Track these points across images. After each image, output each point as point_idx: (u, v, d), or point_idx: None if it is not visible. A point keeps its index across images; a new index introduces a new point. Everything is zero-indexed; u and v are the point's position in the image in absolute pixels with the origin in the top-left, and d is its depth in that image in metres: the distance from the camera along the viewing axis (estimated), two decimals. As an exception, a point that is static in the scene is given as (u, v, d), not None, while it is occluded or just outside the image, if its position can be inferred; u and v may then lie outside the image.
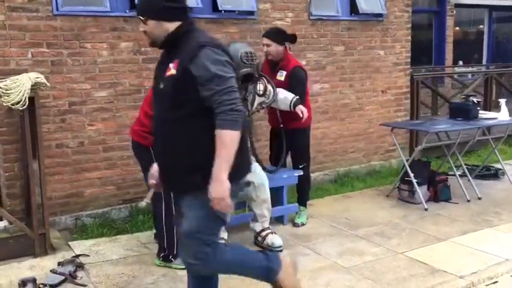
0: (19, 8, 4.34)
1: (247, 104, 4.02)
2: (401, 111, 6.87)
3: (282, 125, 4.47)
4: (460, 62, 12.38)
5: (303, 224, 4.66)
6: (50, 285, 3.40)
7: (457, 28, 13.31)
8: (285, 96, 4.29)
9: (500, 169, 6.17)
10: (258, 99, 4.22)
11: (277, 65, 4.50)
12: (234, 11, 5.32)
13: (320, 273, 3.64)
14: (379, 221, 4.75)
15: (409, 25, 6.77)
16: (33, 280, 3.41)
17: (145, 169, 3.56)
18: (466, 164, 6.42)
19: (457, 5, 11.93)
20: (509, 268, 3.68)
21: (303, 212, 4.78)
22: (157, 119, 2.58)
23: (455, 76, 10.14)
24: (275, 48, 4.44)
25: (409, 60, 6.86)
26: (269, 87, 4.18)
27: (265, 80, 4.15)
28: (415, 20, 12.18)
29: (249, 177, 4.01)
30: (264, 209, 4.16)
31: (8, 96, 3.63)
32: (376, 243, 4.20)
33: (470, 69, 10.80)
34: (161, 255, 3.78)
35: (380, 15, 6.43)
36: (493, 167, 6.26)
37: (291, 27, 5.73)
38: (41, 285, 3.38)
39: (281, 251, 4.03)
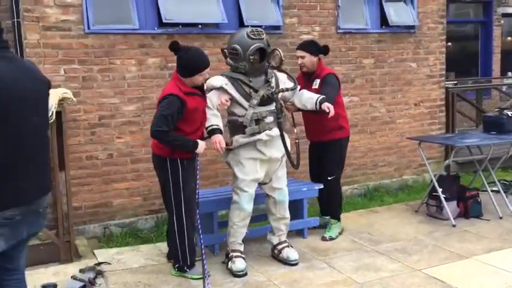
0: (53, 27, 4.62)
1: (271, 86, 3.94)
2: (436, 124, 6.71)
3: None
4: (509, 73, 11.91)
5: (331, 239, 4.56)
6: (69, 291, 3.56)
7: (509, 38, 12.86)
8: (310, 96, 4.20)
9: (541, 185, 5.89)
10: (281, 82, 4.10)
11: (311, 75, 4.51)
12: (260, 26, 5.38)
13: (331, 287, 3.62)
14: (402, 237, 4.66)
15: (444, 37, 6.64)
16: (54, 285, 3.61)
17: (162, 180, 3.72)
18: (503, 180, 6.22)
19: (505, 15, 11.53)
20: (532, 289, 3.52)
21: (334, 225, 4.66)
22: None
23: (503, 88, 9.77)
24: (309, 59, 4.46)
25: (444, 72, 6.72)
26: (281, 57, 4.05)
27: (279, 52, 4.01)
28: (461, 30, 11.98)
29: (271, 192, 4.09)
30: (281, 224, 4.18)
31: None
32: (395, 259, 4.13)
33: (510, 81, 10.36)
34: (176, 266, 3.87)
35: (412, 27, 6.34)
36: (529, 182, 5.99)
37: (318, 40, 5.76)
38: (60, 291, 3.55)
39: (296, 264, 4.03)
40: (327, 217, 4.75)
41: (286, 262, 4.06)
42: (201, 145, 3.67)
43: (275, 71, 4.11)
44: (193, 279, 3.80)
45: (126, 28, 4.92)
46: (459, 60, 11.84)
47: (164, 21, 4.99)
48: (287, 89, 4.05)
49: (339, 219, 4.72)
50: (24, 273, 2.63)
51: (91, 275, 3.82)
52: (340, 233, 4.66)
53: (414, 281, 3.70)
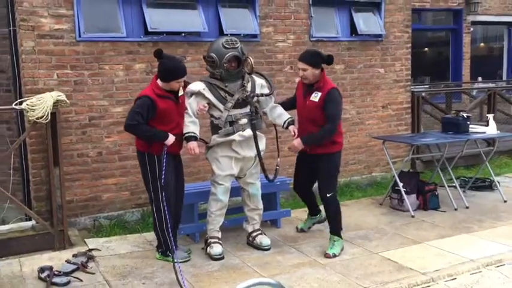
0: (47, 35, 5.04)
1: (246, 90, 4.26)
2: (403, 125, 7.25)
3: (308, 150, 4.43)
4: (479, 78, 12.55)
5: (334, 256, 4.32)
6: (64, 272, 3.98)
7: (482, 44, 13.53)
8: (281, 113, 4.54)
9: (496, 181, 6.44)
10: (258, 86, 4.41)
11: (312, 86, 4.35)
12: (238, 34, 5.87)
13: (298, 268, 4.11)
14: (365, 226, 5.16)
15: (409, 44, 7.17)
16: (50, 268, 4.02)
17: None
18: (463, 177, 6.77)
19: (474, 23, 12.16)
20: (471, 267, 4.04)
21: (337, 242, 4.43)
22: None
23: (474, 92, 10.33)
24: (311, 72, 4.27)
25: (409, 77, 7.25)
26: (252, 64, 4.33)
27: (250, 60, 4.28)
28: (433, 37, 12.60)
29: (245, 186, 4.53)
30: (254, 214, 4.63)
31: (33, 111, 4.30)
32: (356, 245, 4.62)
33: (480, 85, 10.98)
34: (160, 250, 4.31)
35: (379, 35, 6.87)
36: (488, 179, 6.54)
37: (292, 48, 6.27)
38: (56, 272, 3.97)
39: (269, 249, 4.49)
40: (314, 217, 4.96)
41: (259, 247, 4.52)
42: (171, 138, 4.08)
43: (254, 76, 4.51)
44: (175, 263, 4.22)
45: (115, 36, 5.35)
46: (435, 64, 12.49)
47: (150, 29, 5.44)
48: (262, 95, 4.42)
49: (341, 236, 4.51)
50: None
51: (83, 259, 4.25)
52: (341, 250, 4.43)
53: (371, 262, 4.20)
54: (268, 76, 4.67)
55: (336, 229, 4.49)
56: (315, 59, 4.32)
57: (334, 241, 4.44)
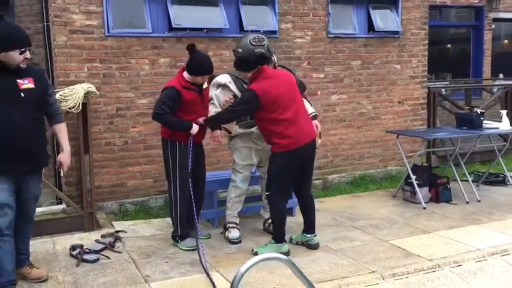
0: (78, 31, 5.37)
1: None
2: (418, 120, 7.40)
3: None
4: (501, 75, 12.53)
5: (256, 253, 4.15)
6: (93, 250, 4.30)
7: (505, 41, 13.49)
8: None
9: (510, 176, 6.57)
10: None
11: None
12: (258, 31, 6.10)
13: (310, 253, 4.35)
14: (377, 216, 5.37)
15: (426, 41, 7.31)
16: (81, 246, 4.35)
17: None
18: (476, 171, 6.91)
19: (496, 19, 12.14)
20: (476, 255, 4.22)
21: (269, 245, 4.29)
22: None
23: (495, 89, 10.36)
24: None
25: (426, 73, 7.40)
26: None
27: (274, 58, 4.47)
28: (455, 33, 12.62)
29: (264, 175, 4.75)
30: None
31: (66, 101, 4.63)
32: (368, 233, 4.84)
33: (497, 82, 11.00)
34: (172, 235, 4.59)
35: (396, 32, 7.04)
36: (502, 174, 6.66)
37: (310, 44, 6.49)
38: (86, 250, 4.29)
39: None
40: (307, 235, 4.49)
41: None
42: (195, 128, 4.33)
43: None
44: (182, 249, 4.46)
45: (141, 32, 5.65)
46: (457, 61, 12.52)
47: (174, 26, 5.72)
48: None
49: (276, 241, 4.29)
50: None
51: (111, 239, 4.57)
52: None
53: (380, 249, 4.42)
54: (293, 70, 4.82)
55: (273, 231, 4.39)
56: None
57: (267, 243, 4.34)
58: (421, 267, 4.01)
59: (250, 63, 4.20)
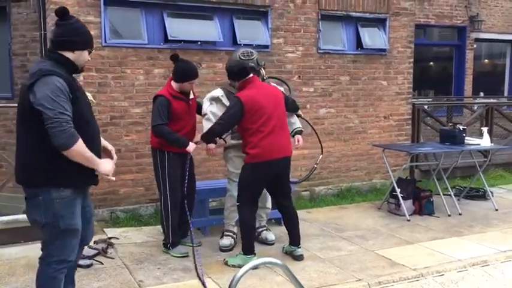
0: (76, 41, 5.47)
1: None
2: (403, 135, 7.63)
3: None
4: (481, 93, 12.91)
5: (226, 263, 4.35)
6: (87, 256, 4.38)
7: (486, 61, 13.91)
8: (293, 122, 4.84)
9: (490, 191, 6.79)
10: None
11: None
12: (251, 45, 6.28)
13: (299, 261, 4.48)
14: (363, 227, 5.54)
15: (412, 59, 7.58)
16: (74, 251, 4.41)
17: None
18: (458, 186, 7.14)
19: (478, 40, 12.55)
20: (458, 266, 4.41)
21: (239, 256, 4.34)
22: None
23: (475, 107, 10.69)
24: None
25: (411, 90, 7.65)
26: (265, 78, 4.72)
27: (262, 70, 4.63)
28: (438, 52, 13.00)
29: None
30: (262, 212, 4.98)
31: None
32: (354, 243, 5.00)
33: (477, 100, 11.36)
34: (163, 243, 4.70)
35: (384, 50, 7.28)
36: (482, 189, 6.90)
37: (300, 58, 6.69)
38: (79, 255, 4.35)
39: (273, 244, 4.86)
40: (291, 246, 4.59)
41: (265, 242, 4.90)
42: (191, 146, 4.47)
43: (272, 84, 4.81)
44: (174, 256, 4.57)
45: (137, 43, 5.79)
46: (440, 79, 12.87)
47: (169, 38, 5.87)
48: None
49: (244, 252, 4.31)
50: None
51: (103, 245, 4.65)
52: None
53: (366, 258, 4.58)
54: (288, 83, 4.94)
55: (242, 242, 4.36)
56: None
57: (237, 254, 4.39)
58: (406, 276, 4.17)
59: (237, 72, 4.37)
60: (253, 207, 4.43)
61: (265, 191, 4.89)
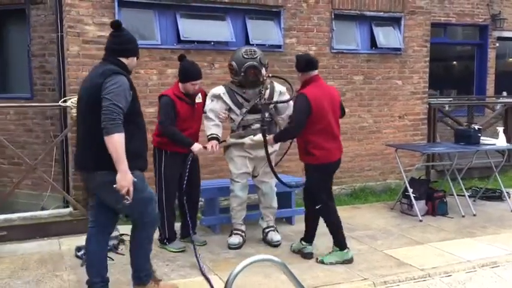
0: (91, 41, 5.60)
1: (261, 97, 4.59)
2: (418, 135, 7.56)
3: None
4: (504, 93, 12.67)
5: (321, 262, 4.40)
6: (98, 252, 4.48)
7: (510, 59, 13.64)
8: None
9: (507, 192, 6.69)
10: (276, 94, 4.73)
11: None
12: (263, 45, 6.32)
13: (306, 260, 4.50)
14: (374, 227, 5.51)
15: (427, 58, 7.50)
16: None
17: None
18: (474, 187, 7.04)
19: (500, 38, 12.32)
20: (467, 266, 4.36)
21: (334, 253, 4.42)
22: None
23: (498, 106, 10.49)
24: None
25: (427, 89, 7.58)
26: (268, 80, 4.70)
27: (263, 70, 4.60)
28: (461, 51, 12.80)
29: (259, 184, 4.90)
30: (268, 212, 4.99)
31: (75, 109, 4.82)
32: (363, 242, 4.99)
33: (500, 100, 11.14)
34: (158, 239, 4.74)
35: (398, 49, 7.23)
36: (499, 190, 6.78)
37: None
38: (91, 251, 4.47)
39: (278, 245, 4.84)
40: (303, 243, 4.64)
41: (270, 243, 4.88)
42: (196, 146, 4.52)
43: (274, 84, 4.85)
44: (170, 251, 4.66)
45: (150, 43, 5.89)
46: (462, 78, 12.68)
47: (182, 38, 5.95)
48: (276, 102, 4.70)
49: (339, 248, 4.43)
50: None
51: (115, 242, 4.75)
52: (339, 263, 4.34)
53: (374, 258, 4.57)
54: (292, 82, 4.90)
55: (334, 239, 4.46)
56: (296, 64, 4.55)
57: (331, 251, 4.46)
58: (412, 276, 4.15)
59: (304, 65, 4.38)
60: (332, 203, 4.50)
61: (272, 189, 4.91)
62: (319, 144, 4.31)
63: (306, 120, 4.23)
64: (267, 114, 4.67)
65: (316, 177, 4.38)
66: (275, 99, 4.76)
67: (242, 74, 4.62)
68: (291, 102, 4.76)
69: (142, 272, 3.67)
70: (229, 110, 4.74)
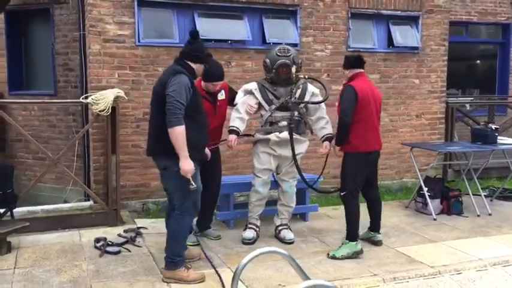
0: (111, 40, 5.77)
1: (291, 96, 4.70)
2: (436, 134, 7.54)
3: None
4: (529, 93, 12.47)
5: (333, 257, 4.48)
6: (116, 243, 4.65)
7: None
8: (323, 127, 4.87)
9: (525, 192, 6.65)
10: (308, 94, 4.81)
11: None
12: (280, 43, 6.37)
13: (317, 255, 4.58)
14: (387, 225, 5.54)
15: (446, 57, 7.47)
16: (104, 239, 4.71)
17: None
18: (492, 186, 7.01)
19: (523, 36, 12.13)
20: (478, 265, 4.38)
21: (344, 245, 4.53)
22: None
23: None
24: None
25: (445, 88, 7.54)
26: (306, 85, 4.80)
27: (293, 68, 4.66)
28: (481, 49, 12.65)
29: (280, 182, 4.97)
30: (284, 210, 5.06)
31: (97, 105, 5.02)
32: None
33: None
34: None
35: (416, 48, 7.23)
36: (517, 190, 6.75)
37: (330, 57, 6.76)
38: (109, 242, 4.64)
39: (291, 243, 4.87)
40: (371, 233, 4.90)
41: (282, 241, 4.93)
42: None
43: (308, 84, 4.89)
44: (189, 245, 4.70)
45: (169, 42, 6.03)
46: (484, 77, 12.53)
47: (200, 37, 6.04)
48: (307, 102, 4.78)
49: (351, 239, 4.54)
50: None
51: (132, 234, 4.91)
52: (350, 257, 4.46)
53: (386, 255, 4.62)
54: (327, 85, 4.97)
55: (347, 230, 4.60)
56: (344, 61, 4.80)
57: (342, 243, 4.58)
58: (422, 273, 4.19)
59: (353, 61, 4.67)
60: (357, 196, 4.66)
61: (292, 188, 4.97)
62: (359, 133, 4.50)
63: (353, 109, 4.47)
64: (296, 113, 4.77)
65: (350, 166, 4.58)
66: (306, 99, 4.82)
67: (274, 71, 4.71)
68: (323, 105, 4.90)
69: (175, 257, 3.94)
70: (259, 105, 4.82)
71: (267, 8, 6.40)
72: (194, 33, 4.05)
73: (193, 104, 3.82)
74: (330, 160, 6.68)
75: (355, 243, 4.53)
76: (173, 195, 4.00)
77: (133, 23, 5.84)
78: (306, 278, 2.93)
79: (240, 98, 4.84)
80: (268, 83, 4.83)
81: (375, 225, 4.92)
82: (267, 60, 4.80)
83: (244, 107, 4.77)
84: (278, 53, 4.73)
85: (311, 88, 4.92)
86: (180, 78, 3.75)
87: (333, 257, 4.49)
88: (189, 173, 3.71)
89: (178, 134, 3.64)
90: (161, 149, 3.82)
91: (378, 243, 4.85)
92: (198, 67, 4.00)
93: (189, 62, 3.95)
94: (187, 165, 3.69)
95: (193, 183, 3.77)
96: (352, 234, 4.56)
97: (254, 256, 2.79)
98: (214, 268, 4.16)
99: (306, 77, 4.95)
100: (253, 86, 4.86)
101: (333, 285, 2.67)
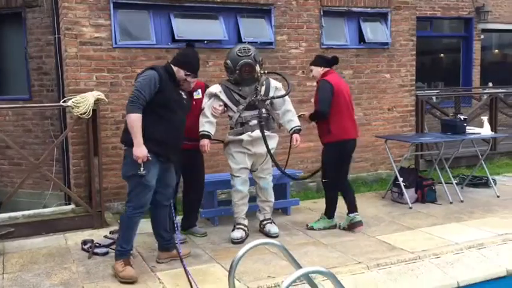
0: (87, 43, 5.77)
1: (257, 94, 4.77)
2: (407, 126, 7.80)
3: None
4: (490, 84, 12.98)
5: (312, 228, 5.20)
6: (103, 245, 4.68)
7: (495, 51, 13.96)
8: (291, 120, 4.97)
9: (493, 179, 6.95)
10: (272, 89, 4.90)
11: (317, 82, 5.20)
12: (255, 42, 6.51)
13: (302, 246, 4.73)
14: (366, 215, 5.73)
15: (414, 52, 7.73)
16: (91, 241, 4.73)
17: None
18: (462, 174, 7.31)
19: (484, 30, 12.62)
20: (455, 248, 4.61)
21: (321, 220, 5.26)
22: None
23: (484, 96, 10.75)
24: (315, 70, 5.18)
25: (414, 82, 7.81)
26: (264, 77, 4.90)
27: (257, 67, 4.75)
28: (445, 43, 13.09)
29: (257, 179, 5.07)
30: (265, 205, 5.16)
31: (77, 108, 5.02)
32: (357, 230, 5.21)
33: (486, 91, 11.44)
34: None
35: (386, 43, 7.46)
36: (485, 177, 7.05)
37: (304, 54, 6.91)
38: (96, 244, 4.67)
39: (276, 237, 4.99)
40: (350, 215, 5.21)
41: (268, 235, 5.03)
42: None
43: (270, 79, 4.99)
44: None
45: (146, 43, 6.06)
46: (449, 70, 12.97)
47: (176, 37, 6.13)
48: (272, 98, 4.88)
49: (328, 216, 5.25)
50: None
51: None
52: (326, 228, 5.20)
53: (367, 243, 4.80)
54: (288, 78, 5.13)
55: (327, 210, 5.27)
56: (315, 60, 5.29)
57: (320, 218, 5.29)
58: (404, 258, 4.39)
59: (328, 60, 5.21)
60: (337, 183, 5.16)
61: (269, 184, 5.10)
62: (337, 122, 4.97)
63: (331, 100, 4.92)
64: (263, 110, 4.85)
65: (331, 155, 5.07)
66: (271, 94, 4.91)
67: (237, 71, 4.76)
68: (287, 97, 5.01)
69: (118, 247, 4.14)
70: (226, 107, 4.87)
71: (241, 7, 6.51)
72: (188, 44, 4.52)
73: (162, 100, 3.96)
74: (308, 155, 6.94)
75: (331, 220, 5.23)
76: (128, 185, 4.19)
77: (110, 25, 5.85)
78: (299, 267, 3.06)
79: (205, 102, 4.83)
80: (232, 84, 4.86)
81: (352, 206, 5.23)
82: (228, 62, 4.81)
83: (210, 110, 4.79)
84: (239, 53, 4.76)
85: (274, 83, 4.99)
86: (148, 73, 3.97)
87: (311, 228, 5.21)
88: (140, 159, 3.86)
89: (132, 121, 3.85)
90: (124, 138, 4.10)
91: (358, 223, 5.16)
92: (177, 71, 4.14)
93: (171, 65, 4.19)
94: (138, 151, 3.84)
95: (143, 170, 3.88)
96: (329, 212, 5.24)
97: (250, 248, 2.90)
98: (185, 268, 4.06)
99: (266, 72, 5.02)
100: (217, 88, 4.85)
101: (328, 271, 2.80)
